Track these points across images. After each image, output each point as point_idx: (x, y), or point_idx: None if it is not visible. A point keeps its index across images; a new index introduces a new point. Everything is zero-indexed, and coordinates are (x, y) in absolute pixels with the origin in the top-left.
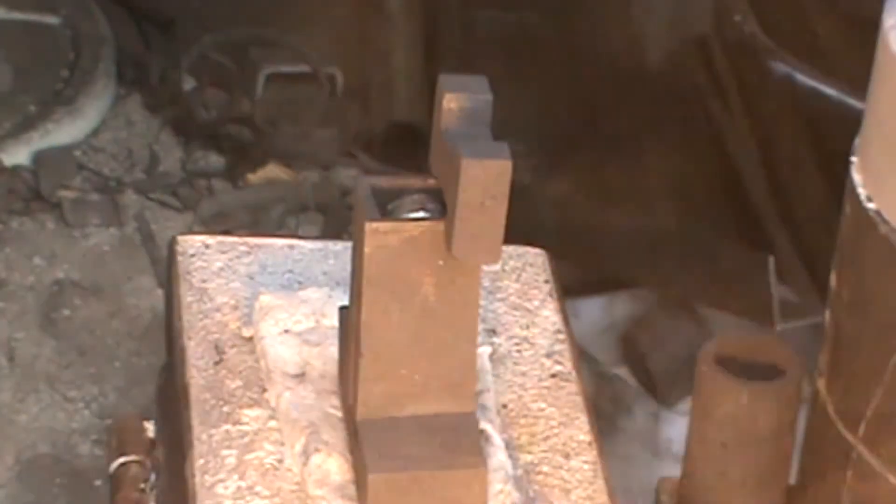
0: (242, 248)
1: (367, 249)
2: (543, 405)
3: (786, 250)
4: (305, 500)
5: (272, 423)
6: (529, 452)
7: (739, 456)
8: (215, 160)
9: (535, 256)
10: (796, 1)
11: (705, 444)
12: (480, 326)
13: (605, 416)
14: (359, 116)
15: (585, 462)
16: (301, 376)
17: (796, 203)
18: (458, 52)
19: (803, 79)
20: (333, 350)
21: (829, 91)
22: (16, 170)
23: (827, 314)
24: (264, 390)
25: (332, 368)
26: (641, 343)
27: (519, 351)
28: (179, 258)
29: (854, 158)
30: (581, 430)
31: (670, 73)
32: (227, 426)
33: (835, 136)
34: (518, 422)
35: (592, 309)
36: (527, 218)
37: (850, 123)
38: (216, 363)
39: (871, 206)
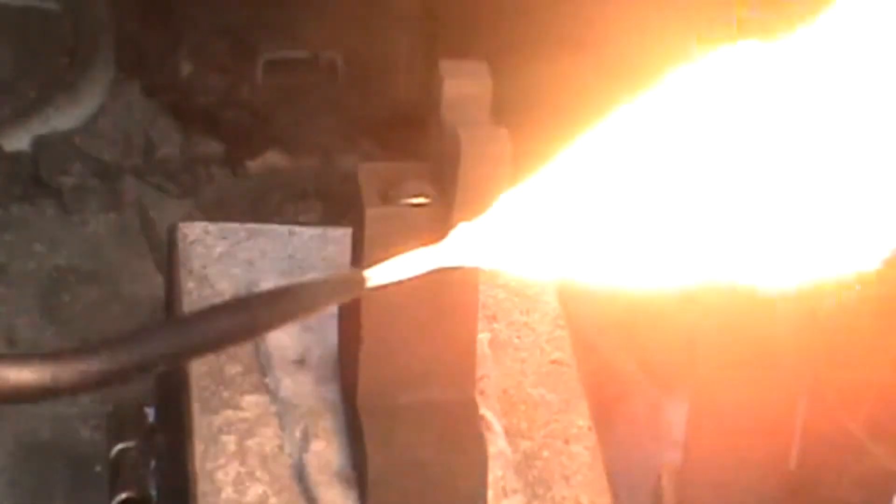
0: (242, 234)
1: (367, 235)
2: (543, 391)
3: None
4: (305, 486)
5: (272, 409)
6: (529, 438)
7: (739, 441)
8: (214, 146)
9: None
10: None
11: (705, 429)
12: (480, 312)
13: (606, 401)
14: (359, 102)
15: (585, 447)
16: (301, 362)
17: None
18: (460, 36)
19: None
20: (333, 336)
21: None
22: (16, 156)
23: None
24: (264, 376)
25: (332, 354)
26: (642, 328)
27: (519, 337)
28: (180, 244)
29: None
30: (581, 416)
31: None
32: (227, 412)
33: None
34: (518, 408)
35: (593, 294)
36: None
37: None
38: None
39: None
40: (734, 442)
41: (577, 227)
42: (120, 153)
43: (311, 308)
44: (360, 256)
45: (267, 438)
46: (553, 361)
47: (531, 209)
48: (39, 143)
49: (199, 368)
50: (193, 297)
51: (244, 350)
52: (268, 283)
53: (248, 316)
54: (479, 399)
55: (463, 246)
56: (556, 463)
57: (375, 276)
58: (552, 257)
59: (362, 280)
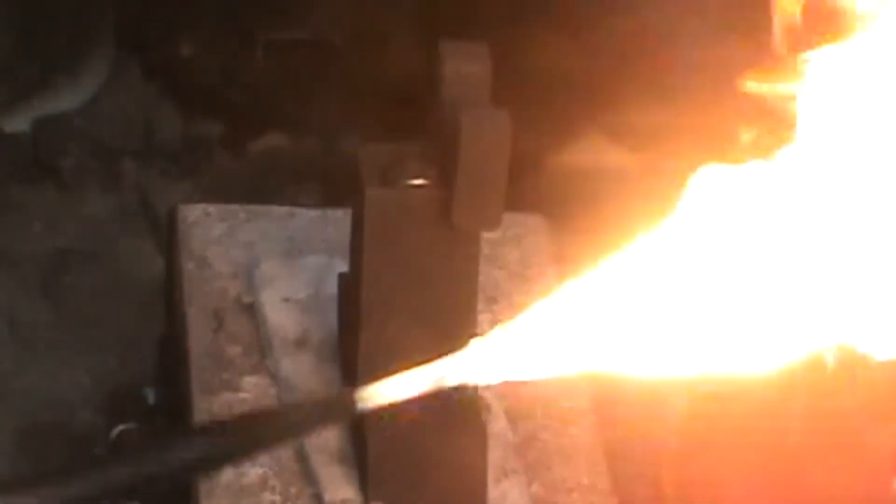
0: (242, 215)
1: (367, 217)
2: None
3: None
4: (306, 467)
5: (272, 391)
6: (529, 420)
7: (738, 424)
8: (215, 127)
9: (535, 224)
10: None
11: (705, 412)
12: (480, 293)
13: (605, 382)
14: (359, 83)
15: (585, 429)
16: (301, 344)
17: None
18: (462, 16)
19: None
20: (333, 317)
21: None
22: (16, 137)
23: None
24: (264, 357)
25: (332, 336)
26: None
27: None
28: (180, 226)
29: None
30: (581, 398)
31: None
32: (227, 393)
33: None
34: (518, 389)
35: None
36: (532, 187)
37: None
38: (216, 330)
39: None
40: (733, 425)
41: (582, 334)
42: (120, 135)
43: (297, 432)
44: (360, 237)
45: None
46: None
47: (537, 328)
48: (39, 124)
49: (198, 349)
50: (193, 278)
51: (244, 331)
52: (268, 264)
53: (230, 440)
54: None
55: (461, 364)
56: (555, 444)
57: (368, 397)
58: (559, 362)
59: (354, 402)
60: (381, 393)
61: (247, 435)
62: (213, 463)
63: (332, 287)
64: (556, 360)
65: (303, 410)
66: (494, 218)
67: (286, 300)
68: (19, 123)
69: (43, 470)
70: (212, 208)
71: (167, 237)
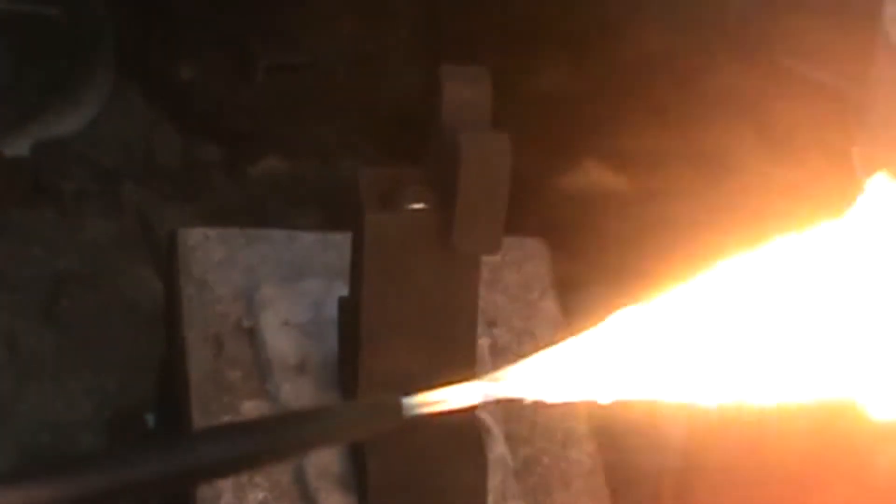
0: (242, 239)
1: (367, 240)
2: None
3: None
4: (305, 492)
5: None
6: (529, 444)
7: (740, 446)
8: (214, 151)
9: (535, 248)
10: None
11: (705, 433)
12: (480, 318)
13: (606, 407)
14: (359, 107)
15: (585, 453)
16: (301, 368)
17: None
18: (462, 40)
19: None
20: (333, 341)
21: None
22: (16, 161)
23: None
24: (264, 381)
25: (332, 359)
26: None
27: (519, 343)
28: (180, 250)
29: (855, 148)
30: (581, 422)
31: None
32: (228, 417)
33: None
34: (518, 414)
35: (593, 301)
36: (532, 211)
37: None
38: (216, 354)
39: None
40: (734, 446)
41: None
42: (120, 158)
43: (337, 437)
44: (360, 261)
45: None
46: None
47: (583, 348)
48: (39, 148)
49: (198, 373)
50: (194, 302)
51: (244, 355)
52: (268, 288)
53: (269, 439)
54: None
55: (511, 380)
56: (555, 469)
57: (417, 404)
58: (603, 385)
59: (400, 408)
60: (430, 401)
61: (289, 435)
62: (226, 468)
63: (332, 311)
64: (602, 383)
65: (340, 415)
66: (494, 242)
67: (286, 324)
68: (19, 147)
69: (31, 465)
70: (211, 232)
71: (167, 261)
